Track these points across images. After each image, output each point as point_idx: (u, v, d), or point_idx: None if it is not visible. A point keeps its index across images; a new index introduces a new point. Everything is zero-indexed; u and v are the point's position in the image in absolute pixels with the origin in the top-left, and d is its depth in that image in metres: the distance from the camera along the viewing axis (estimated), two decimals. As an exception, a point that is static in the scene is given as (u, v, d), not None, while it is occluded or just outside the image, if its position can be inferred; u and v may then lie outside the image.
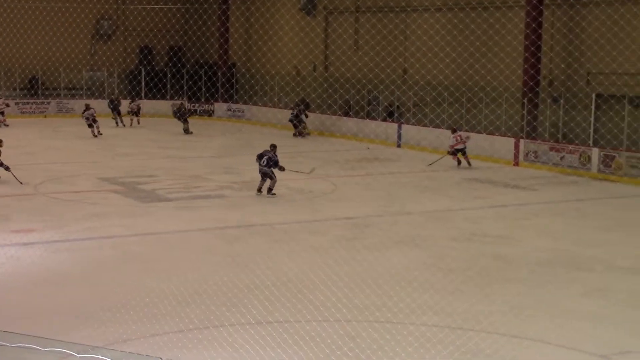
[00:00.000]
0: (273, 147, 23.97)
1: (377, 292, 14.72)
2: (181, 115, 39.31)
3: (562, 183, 26.81)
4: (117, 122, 41.03)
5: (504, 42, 32.23)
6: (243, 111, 44.91)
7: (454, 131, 29.43)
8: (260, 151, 23.74)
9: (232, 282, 15.26)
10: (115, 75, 48.14)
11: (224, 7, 46.72)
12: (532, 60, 31.43)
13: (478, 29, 33.18)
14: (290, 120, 38.96)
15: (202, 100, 45.90)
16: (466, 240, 18.87)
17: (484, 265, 16.84)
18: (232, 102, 45.94)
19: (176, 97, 45.35)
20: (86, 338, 11.72)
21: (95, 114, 36.65)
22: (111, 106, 41.38)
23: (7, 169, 24.12)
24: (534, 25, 31.10)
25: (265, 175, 23.46)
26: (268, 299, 14.32)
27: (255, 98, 44.55)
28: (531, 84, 31.45)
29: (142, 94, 46.40)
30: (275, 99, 43.55)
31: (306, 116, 39.19)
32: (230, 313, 13.48)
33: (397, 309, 13.79)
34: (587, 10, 31.06)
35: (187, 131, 38.86)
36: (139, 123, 41.46)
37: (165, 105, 43.76)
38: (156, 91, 44.70)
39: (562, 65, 32.25)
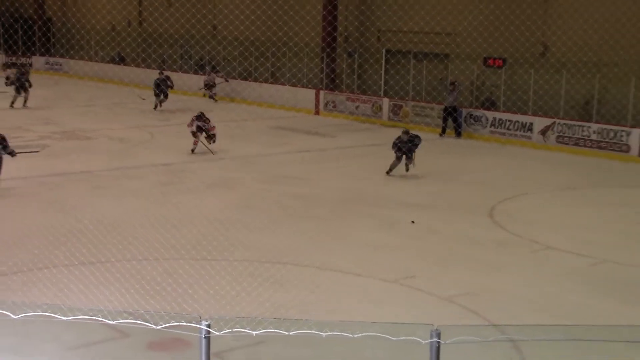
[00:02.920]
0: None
1: (192, 231, 14.74)
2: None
3: (357, 130, 27.43)
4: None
5: (304, 1, 32.52)
6: (61, 64, 43.46)
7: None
8: None
9: (55, 226, 14.90)
10: None
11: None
12: (329, 18, 31.99)
13: (282, -11, 33.38)
14: None
15: (20, 53, 43.90)
16: (273, 182, 19.07)
17: (289, 204, 17.10)
18: (50, 56, 44.31)
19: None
20: None
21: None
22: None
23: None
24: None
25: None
26: (91, 241, 14.06)
27: (72, 52, 43.18)
28: (329, 39, 31.97)
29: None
30: (92, 53, 42.34)
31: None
32: (53, 255, 13.18)
33: (212, 246, 13.85)
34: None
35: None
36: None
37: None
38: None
39: (356, 23, 32.88)
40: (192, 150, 22.34)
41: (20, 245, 13.66)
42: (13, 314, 4.40)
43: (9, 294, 11.20)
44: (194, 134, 22.04)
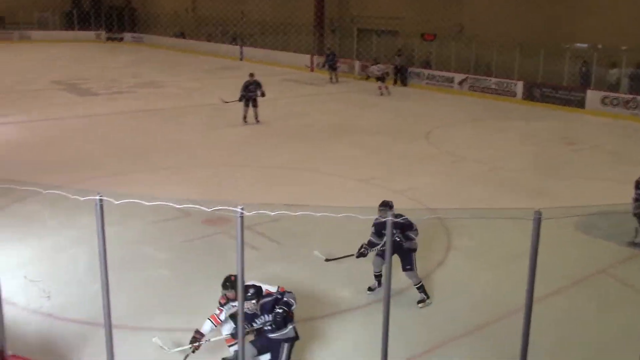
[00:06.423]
0: None
1: (230, 148, 14.69)
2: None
3: (338, 83, 26.89)
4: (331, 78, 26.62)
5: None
6: (142, 38, 42.37)
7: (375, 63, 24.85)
8: None
9: (140, 145, 14.84)
10: (56, 14, 43.97)
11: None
12: (319, 6, 31.53)
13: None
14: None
15: (114, 29, 42.93)
16: (285, 117, 18.84)
17: (295, 131, 16.97)
18: (134, 32, 43.28)
19: (98, 29, 42.21)
20: (48, 180, 11.14)
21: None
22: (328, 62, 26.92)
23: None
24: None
25: None
26: (165, 153, 14.03)
27: (149, 29, 42.22)
28: (319, 21, 31.57)
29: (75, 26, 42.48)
30: (162, 29, 41.37)
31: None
32: (140, 162, 13.15)
33: (243, 158, 13.81)
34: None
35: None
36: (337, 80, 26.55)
37: (89, 35, 41.17)
38: (84, 24, 41.86)
39: (337, 10, 32.20)
40: None
41: (116, 157, 13.60)
42: (115, 201, 4.33)
43: (111, 188, 11.18)
44: None
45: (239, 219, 4.11)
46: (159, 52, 37.30)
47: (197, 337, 5.68)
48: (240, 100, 17.40)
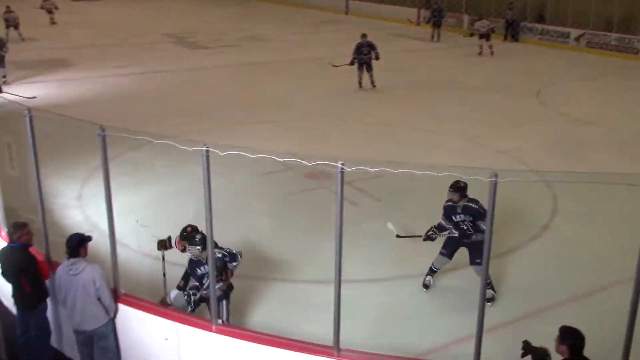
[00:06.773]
0: None
1: (335, 102, 14.70)
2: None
3: (445, 36, 25.76)
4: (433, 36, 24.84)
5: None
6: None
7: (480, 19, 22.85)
8: None
9: (245, 97, 15.19)
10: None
11: None
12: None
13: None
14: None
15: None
16: (391, 71, 18.36)
17: (399, 86, 16.73)
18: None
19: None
20: (158, 130, 11.66)
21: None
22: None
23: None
24: None
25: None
26: (269, 106, 14.29)
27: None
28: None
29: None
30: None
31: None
32: (245, 115, 13.48)
33: (347, 113, 13.80)
34: None
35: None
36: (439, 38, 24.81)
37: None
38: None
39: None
40: None
41: (223, 109, 14.00)
42: (220, 152, 4.49)
43: (217, 139, 11.53)
44: None
45: (339, 175, 4.16)
46: (265, 6, 37.64)
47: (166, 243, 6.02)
48: (352, 64, 15.64)
